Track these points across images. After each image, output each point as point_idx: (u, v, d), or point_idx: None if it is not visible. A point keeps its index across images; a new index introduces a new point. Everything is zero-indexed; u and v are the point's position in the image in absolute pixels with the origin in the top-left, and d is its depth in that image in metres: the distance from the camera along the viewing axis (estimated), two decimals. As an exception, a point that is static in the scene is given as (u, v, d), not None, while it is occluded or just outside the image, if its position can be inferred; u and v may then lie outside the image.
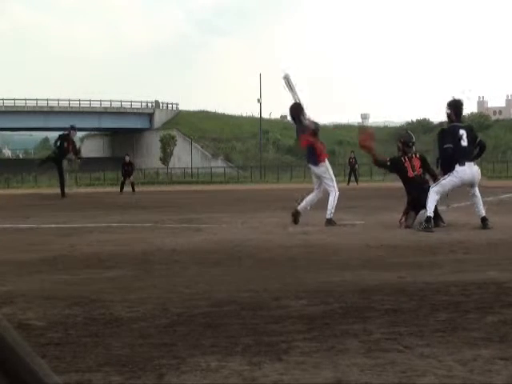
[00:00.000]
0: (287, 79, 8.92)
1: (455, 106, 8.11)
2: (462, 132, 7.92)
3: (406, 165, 8.59)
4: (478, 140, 8.11)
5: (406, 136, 9.09)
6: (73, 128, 18.37)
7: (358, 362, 2.36)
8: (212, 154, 68.74)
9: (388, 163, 8.86)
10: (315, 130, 8.83)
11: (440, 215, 8.30)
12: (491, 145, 41.01)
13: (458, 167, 7.84)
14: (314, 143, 8.80)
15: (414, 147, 8.86)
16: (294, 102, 8.87)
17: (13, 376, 0.79)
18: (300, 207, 8.92)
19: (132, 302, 3.58)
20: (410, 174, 8.54)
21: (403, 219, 8.30)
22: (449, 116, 8.10)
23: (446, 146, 7.91)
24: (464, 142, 7.87)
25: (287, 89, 8.85)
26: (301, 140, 8.97)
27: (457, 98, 8.23)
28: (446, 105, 8.10)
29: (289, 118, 9.26)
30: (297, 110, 8.91)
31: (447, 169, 7.97)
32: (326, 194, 8.88)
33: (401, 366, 2.31)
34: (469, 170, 7.90)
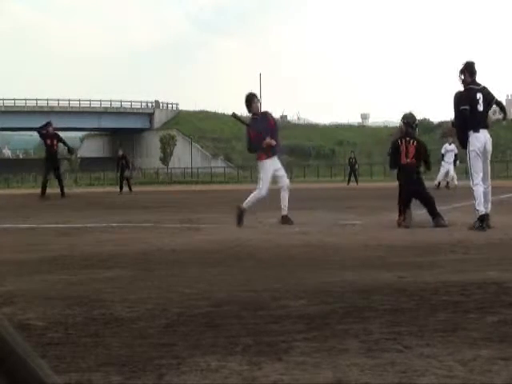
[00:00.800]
0: (235, 116, 10.31)
1: (467, 67, 7.70)
2: (479, 96, 7.61)
3: (401, 148, 8.41)
4: (494, 101, 7.82)
5: (410, 117, 8.79)
6: (48, 123, 17.93)
7: (358, 362, 2.36)
8: (212, 154, 68.72)
9: (390, 151, 8.70)
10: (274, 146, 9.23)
11: (440, 214, 8.28)
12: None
13: (471, 134, 7.58)
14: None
15: (416, 131, 8.72)
16: (247, 93, 9.44)
17: (13, 376, 0.79)
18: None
19: (132, 302, 3.58)
20: (403, 160, 8.39)
21: (401, 219, 8.27)
22: (463, 81, 7.70)
23: (462, 108, 7.58)
24: (480, 107, 7.58)
25: (239, 121, 10.26)
26: (253, 137, 9.37)
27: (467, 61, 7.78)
28: (457, 73, 7.73)
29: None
30: (246, 100, 9.32)
31: (463, 134, 7.71)
32: (287, 189, 9.16)
33: (401, 365, 2.31)
34: (483, 138, 7.61)
